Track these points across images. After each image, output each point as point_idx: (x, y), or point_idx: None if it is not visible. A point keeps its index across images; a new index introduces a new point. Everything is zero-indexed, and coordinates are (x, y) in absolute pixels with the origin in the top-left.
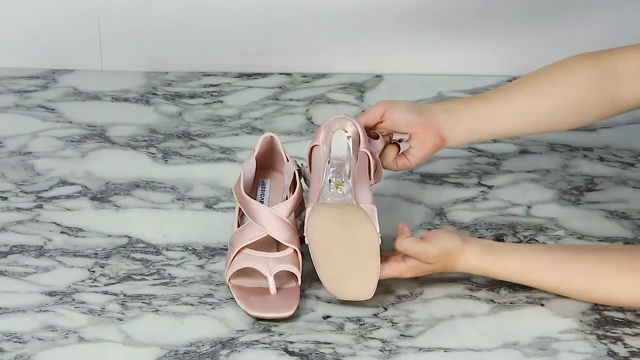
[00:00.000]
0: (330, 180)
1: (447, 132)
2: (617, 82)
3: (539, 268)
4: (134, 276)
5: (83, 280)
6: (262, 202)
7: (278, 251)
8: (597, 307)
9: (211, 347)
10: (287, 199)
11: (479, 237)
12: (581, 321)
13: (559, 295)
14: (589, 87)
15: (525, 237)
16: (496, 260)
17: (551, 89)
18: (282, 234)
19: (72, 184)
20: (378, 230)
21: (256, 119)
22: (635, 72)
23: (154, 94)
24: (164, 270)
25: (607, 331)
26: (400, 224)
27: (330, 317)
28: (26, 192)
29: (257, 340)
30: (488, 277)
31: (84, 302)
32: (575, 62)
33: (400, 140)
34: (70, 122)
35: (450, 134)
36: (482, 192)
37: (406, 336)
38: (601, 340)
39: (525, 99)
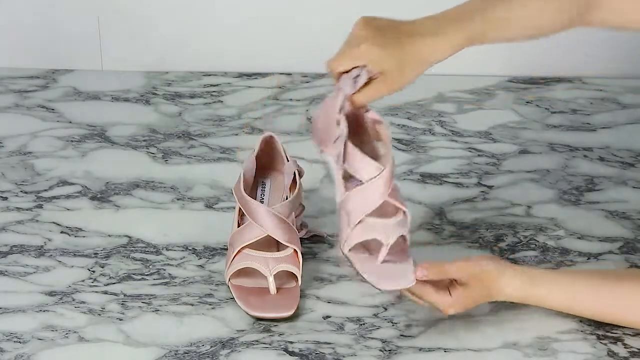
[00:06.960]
0: None
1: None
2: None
3: (578, 298)
4: (134, 276)
5: (83, 280)
6: (262, 202)
7: (278, 251)
8: None
9: (211, 347)
10: (287, 199)
11: (518, 263)
12: (581, 321)
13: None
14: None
15: (525, 237)
16: (534, 293)
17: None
18: (282, 234)
19: (72, 183)
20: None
21: (256, 119)
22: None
23: (154, 94)
24: (164, 270)
25: (607, 331)
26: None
27: (330, 317)
28: (26, 192)
29: (257, 340)
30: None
31: (84, 302)
32: None
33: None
34: (70, 122)
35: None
36: (482, 192)
37: (406, 336)
38: (601, 341)
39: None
